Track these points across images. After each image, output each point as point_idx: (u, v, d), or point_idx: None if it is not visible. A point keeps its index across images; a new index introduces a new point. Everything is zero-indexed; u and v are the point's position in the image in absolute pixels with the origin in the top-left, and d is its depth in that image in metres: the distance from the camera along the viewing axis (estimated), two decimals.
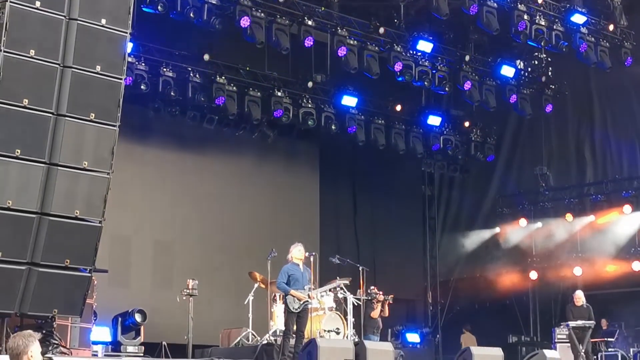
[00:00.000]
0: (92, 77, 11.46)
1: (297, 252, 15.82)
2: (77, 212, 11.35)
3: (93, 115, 11.49)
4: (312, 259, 16.48)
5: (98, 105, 11.54)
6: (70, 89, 11.26)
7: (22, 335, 7.16)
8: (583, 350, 19.16)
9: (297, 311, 15.42)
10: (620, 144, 25.67)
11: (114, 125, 11.71)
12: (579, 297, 20.03)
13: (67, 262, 11.32)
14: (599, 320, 23.18)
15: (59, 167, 11.19)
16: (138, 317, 17.92)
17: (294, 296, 15.36)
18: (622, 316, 23.98)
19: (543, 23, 21.87)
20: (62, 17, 11.30)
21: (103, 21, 11.61)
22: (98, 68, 11.54)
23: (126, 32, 11.89)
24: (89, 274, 11.75)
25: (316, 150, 26.35)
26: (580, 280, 24.96)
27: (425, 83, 22.98)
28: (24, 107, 10.93)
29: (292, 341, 15.57)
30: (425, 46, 22.49)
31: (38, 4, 11.10)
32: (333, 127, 23.64)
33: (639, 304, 24.26)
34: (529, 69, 24.91)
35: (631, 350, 22.67)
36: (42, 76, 11.10)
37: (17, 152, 10.89)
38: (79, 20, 11.39)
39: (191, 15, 19.06)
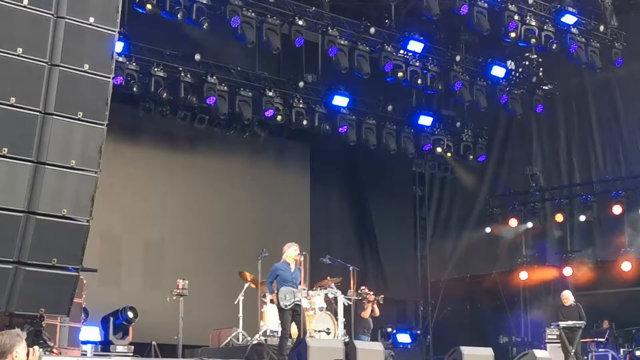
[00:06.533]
0: (79, 76, 11.41)
1: (292, 252, 15.90)
2: (64, 211, 11.31)
3: (81, 114, 11.45)
4: (302, 258, 16.44)
5: (86, 104, 11.49)
6: (58, 88, 11.22)
7: (10, 334, 7.08)
8: (573, 351, 19.18)
9: (287, 308, 15.44)
10: (609, 144, 25.70)
11: (102, 124, 11.67)
12: (567, 297, 20.07)
13: (54, 261, 11.27)
14: (601, 321, 23.30)
15: (47, 166, 11.14)
16: (130, 314, 17.94)
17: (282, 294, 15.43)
18: (612, 316, 24.00)
19: (534, 23, 21.89)
20: (50, 15, 11.26)
21: (91, 19, 11.56)
22: (86, 67, 11.49)
23: (114, 31, 11.83)
24: (77, 273, 11.71)
25: (307, 150, 26.37)
26: (570, 280, 25.00)
27: (419, 82, 22.98)
28: (11, 105, 10.89)
29: (290, 342, 15.59)
30: (415, 46, 22.51)
31: (26, 1, 11.04)
32: (327, 127, 23.65)
33: (629, 304, 24.32)
34: (520, 70, 24.87)
35: (621, 350, 22.72)
36: (30, 74, 11.05)
37: (4, 150, 10.84)
38: (67, 18, 11.34)
39: (179, 16, 19.09)
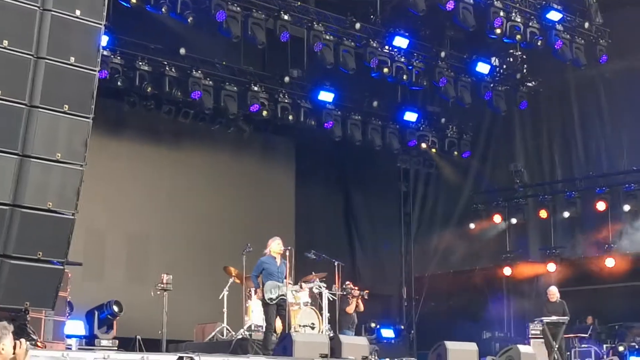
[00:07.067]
0: (65, 69, 11.38)
1: (276, 246, 15.92)
2: (49, 204, 11.27)
3: (67, 107, 11.41)
4: (287, 253, 16.47)
5: (72, 97, 11.45)
6: (44, 81, 11.18)
7: None
8: (557, 346, 19.25)
9: (273, 302, 15.46)
10: (593, 141, 25.77)
11: (88, 118, 11.63)
12: (553, 293, 20.17)
13: (39, 254, 11.23)
14: (585, 317, 23.36)
15: (32, 159, 11.10)
16: (116, 308, 17.95)
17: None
18: (595, 312, 24.09)
19: (519, 20, 21.95)
20: (36, 8, 11.22)
21: (77, 12, 11.52)
22: (72, 59, 11.45)
23: (101, 24, 11.80)
24: (62, 267, 11.67)
25: (292, 146, 26.39)
26: (554, 276, 25.07)
27: (404, 78, 23.01)
28: None
29: (274, 337, 15.61)
30: (401, 42, 22.53)
31: None
32: (313, 122, 23.67)
33: (612, 300, 24.43)
34: (504, 66, 24.98)
35: (604, 346, 22.80)
36: (16, 67, 11.01)
37: None
38: (53, 11, 11.30)
39: (163, 10, 19.05)
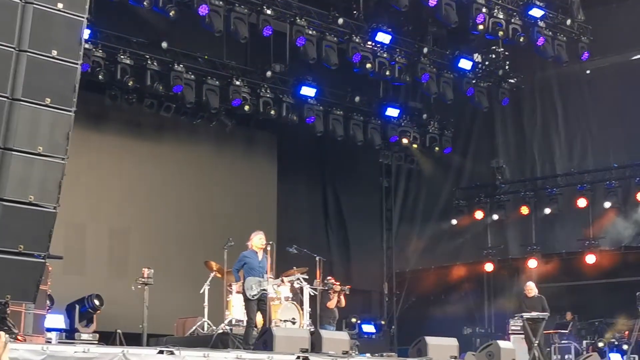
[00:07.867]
0: (47, 62, 11.32)
1: (257, 241, 15.91)
2: (31, 198, 11.23)
3: (49, 100, 11.36)
4: (269, 248, 16.44)
5: (54, 90, 11.40)
6: (26, 74, 11.12)
7: None
8: (536, 342, 19.31)
9: (254, 298, 15.46)
10: (575, 138, 25.86)
11: (70, 111, 11.59)
12: (531, 288, 20.21)
13: (20, 247, 11.19)
14: (565, 313, 23.46)
15: (13, 152, 11.06)
16: (97, 302, 17.92)
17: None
18: (575, 308, 24.19)
19: (501, 16, 22.03)
20: (18, 1, 11.17)
21: (60, 5, 11.46)
22: (54, 53, 11.40)
23: (83, 17, 11.75)
24: (43, 260, 11.63)
25: (274, 140, 26.38)
26: (535, 272, 25.16)
27: (386, 73, 23.05)
28: None
29: (255, 332, 15.61)
30: (383, 38, 22.56)
31: None
32: (295, 117, 23.65)
33: (592, 296, 24.54)
34: (486, 63, 25.01)
35: (584, 342, 22.92)
36: None
37: None
38: (35, 3, 11.24)
39: (145, 3, 19.01)
